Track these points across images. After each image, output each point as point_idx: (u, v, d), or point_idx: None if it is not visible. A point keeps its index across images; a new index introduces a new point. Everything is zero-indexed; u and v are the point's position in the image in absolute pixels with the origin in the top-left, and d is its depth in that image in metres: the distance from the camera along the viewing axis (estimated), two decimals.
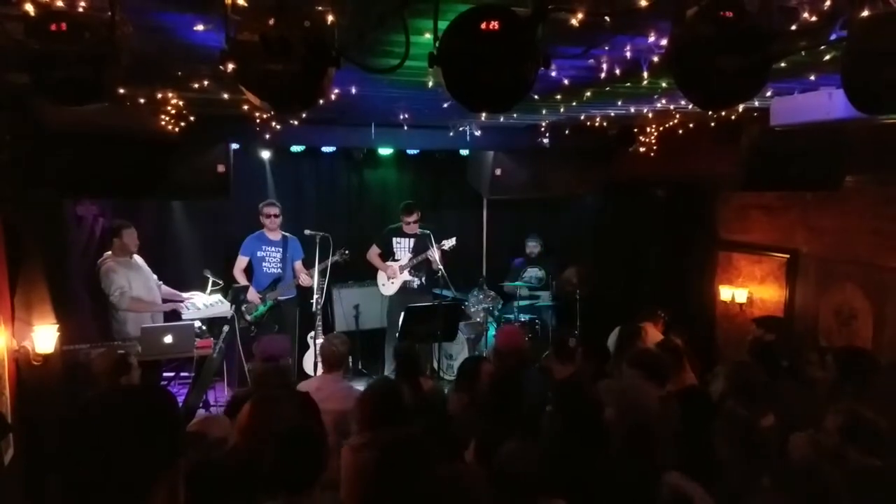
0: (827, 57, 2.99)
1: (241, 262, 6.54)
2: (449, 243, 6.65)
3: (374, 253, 7.03)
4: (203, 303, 6.02)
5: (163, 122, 4.81)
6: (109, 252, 5.69)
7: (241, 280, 6.48)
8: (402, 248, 6.98)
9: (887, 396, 3.68)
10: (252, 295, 6.40)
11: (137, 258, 5.85)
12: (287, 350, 4.62)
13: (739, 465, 2.88)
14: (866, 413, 3.08)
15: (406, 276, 6.92)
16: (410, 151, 7.41)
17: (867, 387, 3.71)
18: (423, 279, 6.95)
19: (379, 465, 2.73)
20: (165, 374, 5.70)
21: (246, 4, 2.03)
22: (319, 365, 5.43)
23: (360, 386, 5.07)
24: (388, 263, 6.97)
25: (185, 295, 6.06)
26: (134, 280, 5.65)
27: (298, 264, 6.71)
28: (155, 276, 6.01)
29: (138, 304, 5.64)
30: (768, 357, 4.50)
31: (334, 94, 3.70)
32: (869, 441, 2.93)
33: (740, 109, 4.64)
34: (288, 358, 4.56)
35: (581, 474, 2.95)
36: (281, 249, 6.61)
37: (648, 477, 2.89)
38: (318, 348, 6.02)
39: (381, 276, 7.05)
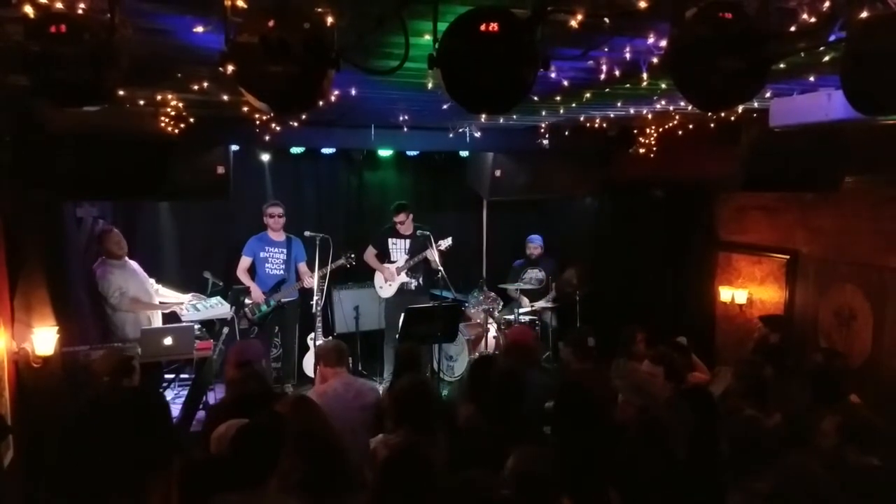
0: (826, 58, 2.99)
1: (245, 262, 6.54)
2: (445, 243, 6.64)
3: (370, 254, 7.01)
4: (202, 304, 6.02)
5: (162, 124, 4.81)
6: (102, 257, 5.71)
7: (246, 281, 6.47)
8: (399, 248, 6.97)
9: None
10: (256, 294, 6.40)
11: (132, 262, 5.85)
12: (261, 353, 4.58)
13: (742, 463, 2.88)
14: (863, 411, 3.08)
15: (403, 277, 6.91)
16: (410, 153, 7.42)
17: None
18: (421, 280, 6.94)
19: (393, 468, 2.74)
20: (166, 376, 5.70)
21: (245, 6, 2.03)
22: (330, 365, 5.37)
23: None
24: (385, 265, 6.96)
25: (184, 297, 6.05)
26: (130, 282, 5.66)
27: (303, 266, 6.71)
28: (152, 280, 6.01)
29: (137, 304, 5.64)
30: (774, 356, 4.52)
31: (334, 95, 3.70)
32: (867, 440, 2.94)
33: (740, 110, 4.64)
34: (262, 361, 4.53)
35: (592, 469, 2.97)
36: (284, 251, 6.61)
37: (664, 467, 2.90)
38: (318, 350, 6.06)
39: (379, 279, 7.04)
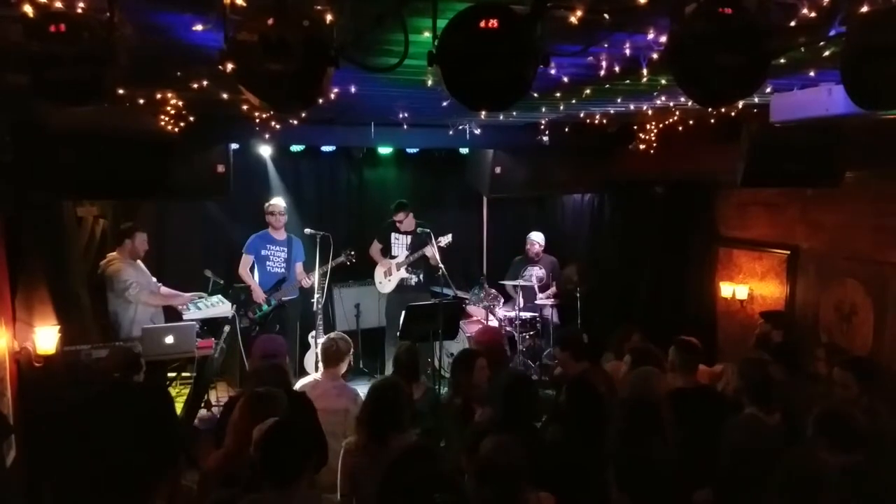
0: (826, 53, 2.99)
1: (247, 260, 6.53)
2: (445, 240, 6.65)
3: (375, 249, 7.04)
4: (204, 303, 6.02)
5: (162, 123, 4.81)
6: (115, 253, 5.69)
7: (247, 280, 6.47)
8: (400, 244, 6.99)
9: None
10: (257, 294, 6.40)
11: (139, 262, 5.85)
12: (284, 349, 4.62)
13: (744, 463, 2.86)
14: (845, 409, 3.01)
15: (403, 273, 6.92)
16: (410, 150, 7.42)
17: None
18: (421, 276, 6.95)
19: (384, 476, 2.74)
20: (168, 375, 5.70)
21: (245, 4, 2.03)
22: (321, 364, 5.38)
23: (360, 385, 5.07)
24: (386, 260, 6.98)
25: (186, 295, 6.05)
26: (141, 279, 5.66)
27: (299, 266, 6.70)
28: (154, 279, 6.02)
29: (153, 297, 5.66)
30: (783, 354, 4.50)
31: (333, 93, 3.70)
32: (843, 438, 2.86)
33: (740, 106, 4.64)
34: (285, 357, 4.57)
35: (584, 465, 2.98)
36: (285, 249, 6.61)
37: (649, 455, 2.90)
38: (319, 347, 6.06)
39: (378, 274, 7.05)
